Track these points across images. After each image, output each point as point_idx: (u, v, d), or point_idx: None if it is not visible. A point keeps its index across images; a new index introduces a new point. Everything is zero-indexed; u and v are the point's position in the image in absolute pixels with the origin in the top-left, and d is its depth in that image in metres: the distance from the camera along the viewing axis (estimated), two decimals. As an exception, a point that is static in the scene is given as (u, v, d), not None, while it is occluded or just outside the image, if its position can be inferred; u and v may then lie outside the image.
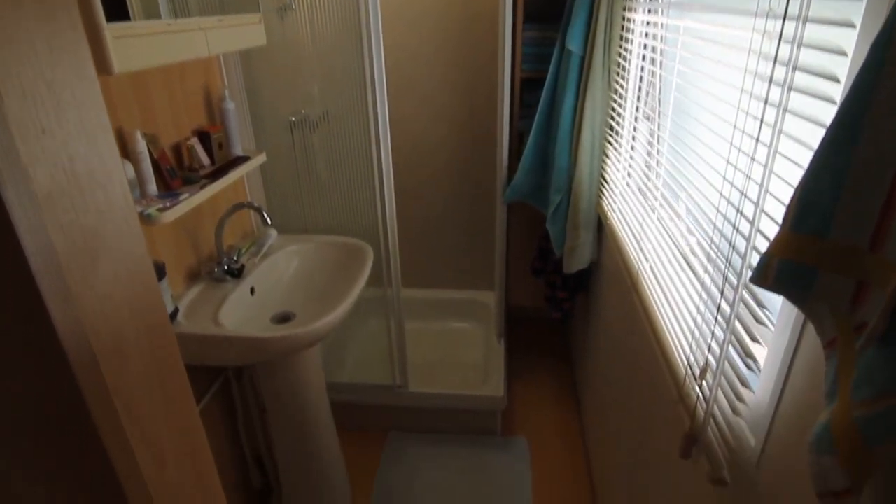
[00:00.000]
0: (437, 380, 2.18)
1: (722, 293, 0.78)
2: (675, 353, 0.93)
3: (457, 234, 2.45)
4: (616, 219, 1.51)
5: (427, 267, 2.52)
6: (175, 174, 1.23)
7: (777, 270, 0.47)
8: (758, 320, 0.71)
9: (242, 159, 1.45)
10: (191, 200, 1.18)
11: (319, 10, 1.65)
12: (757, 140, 0.69)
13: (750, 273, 0.72)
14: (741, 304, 0.74)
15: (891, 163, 0.40)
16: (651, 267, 1.16)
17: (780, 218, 0.49)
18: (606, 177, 1.63)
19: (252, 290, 1.45)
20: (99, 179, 0.36)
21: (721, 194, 0.79)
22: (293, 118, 1.76)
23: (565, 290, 2.04)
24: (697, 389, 0.82)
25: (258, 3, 1.38)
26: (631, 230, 1.36)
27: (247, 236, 1.67)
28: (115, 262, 0.37)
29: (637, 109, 1.36)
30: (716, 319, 0.80)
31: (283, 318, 1.49)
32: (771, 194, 0.66)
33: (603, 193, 1.67)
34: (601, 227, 1.77)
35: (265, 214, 1.34)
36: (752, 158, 0.70)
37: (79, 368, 0.32)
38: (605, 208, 1.62)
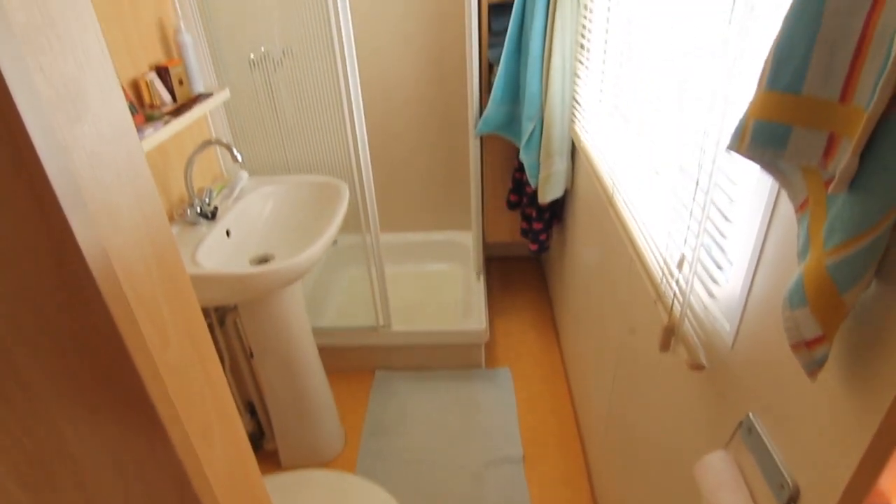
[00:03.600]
0: (420, 319, 2.21)
1: (696, 187, 0.80)
2: (651, 255, 0.96)
3: (430, 174, 2.43)
4: (589, 138, 1.51)
5: (402, 210, 2.51)
6: (135, 110, 1.18)
7: (753, 132, 0.48)
8: (727, 219, 0.73)
9: (205, 96, 1.39)
10: (156, 136, 1.14)
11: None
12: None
13: (723, 160, 0.74)
14: (712, 205, 0.76)
15: (859, 8, 0.40)
16: (626, 179, 1.18)
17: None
18: (578, 98, 1.63)
19: (228, 233, 1.43)
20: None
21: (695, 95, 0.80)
22: (252, 56, 1.69)
23: (540, 222, 2.06)
24: (674, 285, 0.85)
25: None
26: (605, 148, 1.36)
27: (217, 179, 1.62)
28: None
29: (608, 21, 1.34)
30: (690, 214, 0.82)
31: (263, 261, 1.48)
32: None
33: (576, 116, 1.67)
34: (574, 156, 1.77)
35: (234, 151, 1.31)
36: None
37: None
38: (578, 130, 1.62)
